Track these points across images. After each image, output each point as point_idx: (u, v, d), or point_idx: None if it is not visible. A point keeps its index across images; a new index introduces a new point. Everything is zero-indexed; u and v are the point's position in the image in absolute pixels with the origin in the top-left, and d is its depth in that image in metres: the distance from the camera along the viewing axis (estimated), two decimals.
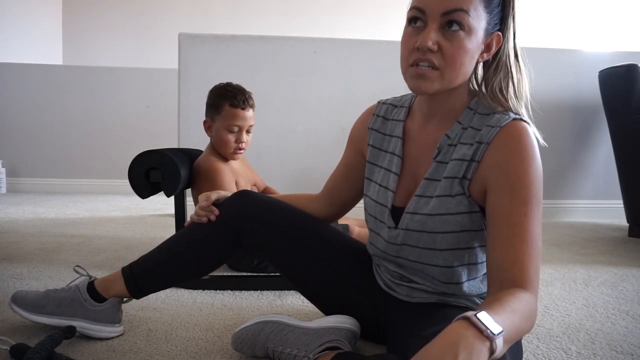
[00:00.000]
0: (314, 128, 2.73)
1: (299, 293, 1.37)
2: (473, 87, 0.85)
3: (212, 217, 0.97)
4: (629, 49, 4.47)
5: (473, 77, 0.84)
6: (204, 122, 1.55)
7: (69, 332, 0.95)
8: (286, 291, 1.38)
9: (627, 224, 2.52)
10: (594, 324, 1.18)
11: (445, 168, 0.81)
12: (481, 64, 0.82)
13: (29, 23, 4.58)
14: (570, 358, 0.98)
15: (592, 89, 2.77)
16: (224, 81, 1.63)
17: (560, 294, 1.43)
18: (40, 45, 4.76)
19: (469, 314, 0.56)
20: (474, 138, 0.79)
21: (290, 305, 1.28)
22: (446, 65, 0.75)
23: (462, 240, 0.81)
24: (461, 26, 0.74)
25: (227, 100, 1.51)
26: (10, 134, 4.16)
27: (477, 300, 0.87)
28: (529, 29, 5.21)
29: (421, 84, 0.77)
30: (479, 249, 0.83)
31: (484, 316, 0.56)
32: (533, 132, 0.78)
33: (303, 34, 2.92)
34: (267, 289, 1.39)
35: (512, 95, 0.80)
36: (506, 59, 0.81)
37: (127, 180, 1.39)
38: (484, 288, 0.86)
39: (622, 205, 2.54)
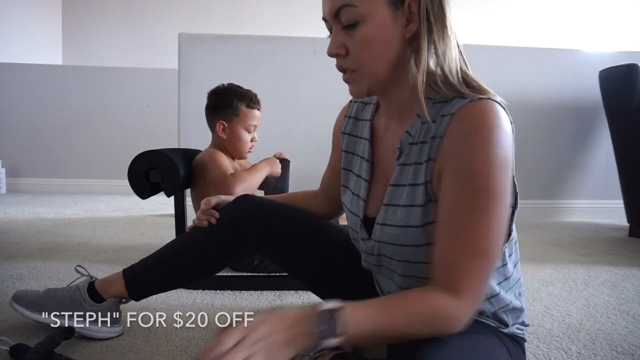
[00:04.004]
0: (314, 128, 2.73)
1: (298, 293, 1.38)
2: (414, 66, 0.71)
3: (213, 221, 0.97)
4: (629, 49, 4.46)
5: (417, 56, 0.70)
6: (219, 124, 1.55)
7: (68, 333, 0.95)
8: (286, 291, 1.38)
9: (627, 224, 2.52)
10: (594, 324, 1.18)
11: (409, 172, 0.71)
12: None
13: (29, 23, 4.58)
14: (571, 358, 0.98)
15: (592, 89, 2.77)
16: (224, 81, 1.62)
17: (561, 294, 1.43)
18: (40, 45, 4.76)
19: (325, 305, 0.60)
20: (430, 133, 0.68)
21: (290, 306, 1.28)
22: (359, 65, 0.70)
23: None
24: (355, 20, 0.67)
25: (244, 101, 1.55)
26: (10, 134, 4.16)
27: (490, 317, 0.76)
28: (530, 29, 5.22)
29: (352, 89, 0.73)
30: None
31: (331, 318, 0.58)
32: (503, 114, 0.64)
33: (303, 34, 2.92)
34: (267, 289, 1.39)
35: (441, 56, 0.67)
36: (425, 20, 0.67)
37: (127, 181, 1.39)
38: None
39: (622, 205, 2.54)
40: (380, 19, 0.67)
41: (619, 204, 2.65)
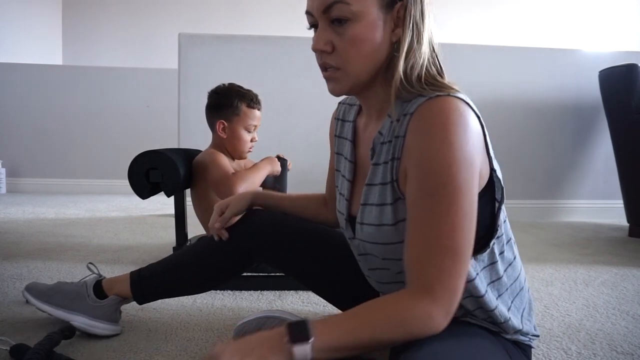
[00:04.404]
0: (314, 128, 2.73)
1: (298, 293, 1.38)
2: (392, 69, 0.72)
3: (224, 237, 0.97)
4: (629, 49, 4.46)
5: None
6: (219, 124, 1.55)
7: (68, 332, 0.95)
8: (286, 291, 1.38)
9: (627, 224, 2.52)
10: (594, 324, 1.18)
11: (380, 171, 0.73)
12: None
13: (29, 23, 4.58)
14: (571, 358, 0.98)
15: (592, 89, 2.77)
16: (224, 81, 1.63)
17: (560, 294, 1.43)
18: (40, 45, 4.76)
19: (291, 321, 0.61)
20: (395, 132, 0.70)
21: (290, 306, 1.28)
22: (345, 63, 0.69)
23: None
24: (345, 18, 0.67)
25: (244, 101, 1.55)
26: (10, 134, 4.16)
27: (489, 322, 0.73)
28: (530, 29, 5.22)
29: (332, 87, 0.73)
30: None
31: (298, 326, 0.59)
32: (464, 109, 0.64)
33: (303, 34, 2.92)
34: (267, 289, 1.39)
35: (410, 61, 0.69)
36: (409, 26, 0.68)
37: (127, 181, 1.39)
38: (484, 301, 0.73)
39: (622, 205, 2.54)
40: (371, 19, 0.67)
41: (619, 204, 2.65)
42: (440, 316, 0.61)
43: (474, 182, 0.63)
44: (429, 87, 0.67)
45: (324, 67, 0.72)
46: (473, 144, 0.63)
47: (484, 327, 0.73)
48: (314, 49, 0.71)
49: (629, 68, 2.33)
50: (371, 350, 0.63)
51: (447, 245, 0.61)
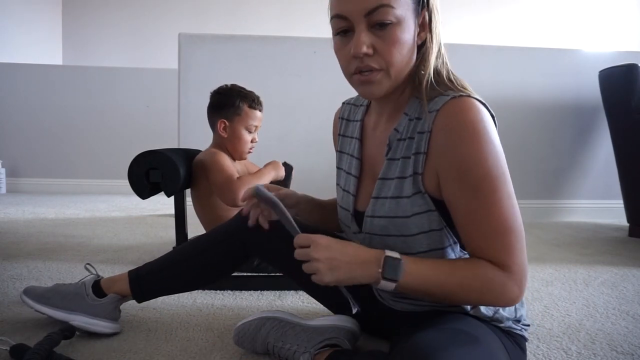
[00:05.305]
0: (314, 128, 2.73)
1: (299, 293, 1.38)
2: (421, 70, 0.77)
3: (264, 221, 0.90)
4: (629, 49, 4.47)
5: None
6: (220, 123, 1.55)
7: (68, 332, 0.95)
8: (286, 291, 1.38)
9: (627, 224, 2.52)
10: (594, 324, 1.18)
11: (397, 166, 0.76)
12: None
13: (29, 23, 4.58)
14: (571, 358, 0.98)
15: (592, 89, 2.77)
16: (224, 81, 1.63)
17: (560, 294, 1.43)
18: (40, 45, 4.76)
19: (387, 252, 0.69)
20: (417, 129, 0.74)
21: (290, 306, 1.28)
22: (388, 65, 0.71)
23: (424, 243, 0.74)
24: (389, 21, 0.69)
25: (246, 102, 1.56)
26: (10, 134, 4.16)
27: (483, 310, 0.77)
28: (530, 29, 5.22)
29: (371, 90, 0.74)
30: (449, 249, 0.76)
31: (393, 265, 0.68)
32: (483, 108, 0.70)
33: (303, 34, 2.92)
34: (267, 289, 1.39)
35: (435, 62, 0.75)
36: (432, 30, 0.74)
37: (127, 181, 1.39)
38: None
39: (622, 205, 2.54)
40: (408, 23, 0.71)
41: (619, 204, 2.65)
42: (514, 289, 0.69)
43: (507, 168, 0.69)
44: (457, 87, 0.73)
45: (361, 70, 0.72)
46: (495, 137, 0.69)
47: (478, 318, 0.76)
48: (356, 54, 0.71)
49: (629, 68, 2.33)
50: (443, 301, 0.72)
51: (504, 226, 0.68)
